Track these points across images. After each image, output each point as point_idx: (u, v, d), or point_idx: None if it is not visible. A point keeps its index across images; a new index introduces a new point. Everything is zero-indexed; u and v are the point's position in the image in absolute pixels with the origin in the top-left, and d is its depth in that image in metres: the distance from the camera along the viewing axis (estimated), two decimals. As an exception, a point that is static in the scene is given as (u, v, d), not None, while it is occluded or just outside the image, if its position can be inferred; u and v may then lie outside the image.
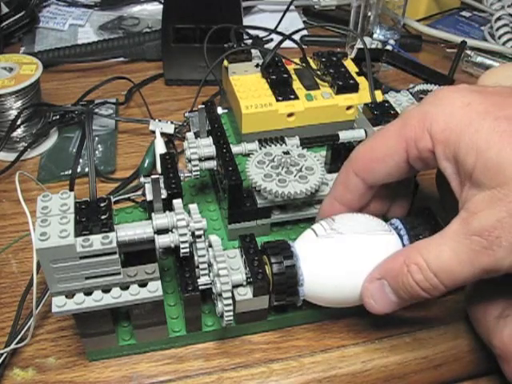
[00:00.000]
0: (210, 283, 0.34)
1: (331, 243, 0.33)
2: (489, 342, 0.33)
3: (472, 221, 0.28)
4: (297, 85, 0.49)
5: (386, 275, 0.32)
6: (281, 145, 0.42)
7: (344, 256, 0.33)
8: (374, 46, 0.62)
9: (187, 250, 0.32)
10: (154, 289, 0.32)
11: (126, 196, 0.46)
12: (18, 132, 0.51)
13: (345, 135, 0.43)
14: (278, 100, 0.47)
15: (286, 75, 0.49)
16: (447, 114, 0.30)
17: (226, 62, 0.50)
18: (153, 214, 0.32)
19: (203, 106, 0.45)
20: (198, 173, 0.41)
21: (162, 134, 0.51)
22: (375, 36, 0.63)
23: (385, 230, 0.34)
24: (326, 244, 0.33)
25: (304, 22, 0.75)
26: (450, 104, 0.30)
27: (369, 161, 0.34)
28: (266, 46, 0.64)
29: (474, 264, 0.28)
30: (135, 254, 0.31)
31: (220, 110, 0.51)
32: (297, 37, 0.57)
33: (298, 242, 0.35)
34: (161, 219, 0.32)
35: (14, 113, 0.50)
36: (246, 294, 0.34)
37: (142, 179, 0.39)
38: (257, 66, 0.50)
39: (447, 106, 0.30)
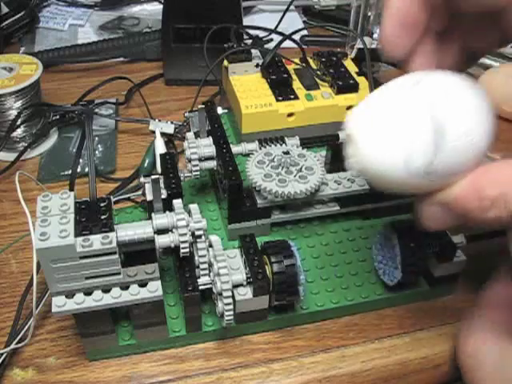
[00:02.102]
0: (210, 283, 0.34)
1: (422, 182, 0.25)
2: None
3: None
4: (297, 85, 0.49)
5: (452, 204, 0.26)
6: (281, 145, 0.42)
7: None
8: (373, 46, 0.62)
9: (187, 249, 0.32)
10: (154, 289, 0.32)
11: (126, 196, 0.46)
12: (18, 132, 0.51)
13: (345, 135, 0.43)
14: (277, 100, 0.47)
15: (285, 75, 0.49)
16: None
17: (225, 62, 0.50)
18: (153, 214, 0.32)
19: (203, 106, 0.45)
20: (198, 173, 0.41)
21: (162, 134, 0.51)
22: (375, 36, 0.63)
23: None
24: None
25: (304, 22, 0.75)
26: None
27: None
28: (266, 46, 0.63)
29: None
30: (135, 254, 0.31)
31: (220, 110, 0.51)
32: (297, 37, 0.57)
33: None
34: (161, 219, 0.32)
35: (14, 113, 0.49)
36: (246, 293, 0.34)
37: (142, 179, 0.39)
38: (257, 65, 0.50)
39: None
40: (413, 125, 0.24)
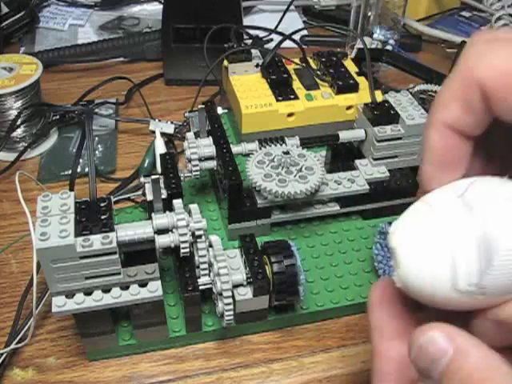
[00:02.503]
0: (210, 283, 0.34)
1: (465, 300, 0.23)
2: None
3: None
4: (297, 85, 0.49)
5: (508, 320, 0.23)
6: (281, 145, 0.42)
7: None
8: (373, 46, 0.62)
9: (187, 249, 0.32)
10: (154, 289, 0.32)
11: (126, 196, 0.46)
12: (18, 132, 0.51)
13: (345, 135, 0.43)
14: (278, 100, 0.47)
15: (285, 75, 0.49)
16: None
17: (225, 62, 0.50)
18: (153, 214, 0.32)
19: (203, 106, 0.45)
20: (198, 173, 0.41)
21: (162, 134, 0.51)
22: (375, 36, 0.63)
23: None
24: (459, 300, 0.23)
25: (304, 22, 0.75)
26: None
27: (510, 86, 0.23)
28: (266, 46, 0.63)
29: None
30: (135, 253, 0.31)
31: (220, 110, 0.51)
32: (297, 37, 0.57)
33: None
34: (161, 219, 0.32)
35: (14, 113, 0.49)
36: (246, 293, 0.34)
37: (142, 179, 0.39)
38: (257, 65, 0.50)
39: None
40: (458, 242, 0.22)
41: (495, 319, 0.23)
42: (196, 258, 0.34)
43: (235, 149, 0.41)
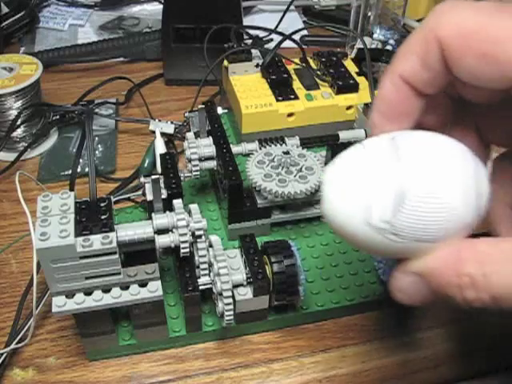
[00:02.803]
0: (210, 283, 0.34)
1: (378, 239, 0.24)
2: None
3: None
4: (297, 85, 0.49)
5: (427, 275, 0.24)
6: (281, 145, 0.42)
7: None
8: (373, 46, 0.62)
9: (187, 249, 0.32)
10: (154, 289, 0.32)
11: (126, 196, 0.46)
12: (18, 132, 0.51)
13: (345, 135, 0.43)
14: (278, 100, 0.47)
15: (285, 75, 0.49)
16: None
17: (225, 62, 0.50)
18: (153, 214, 0.32)
19: (203, 106, 0.45)
20: (198, 173, 0.41)
21: (162, 134, 0.51)
22: (375, 36, 0.63)
23: (471, 223, 0.24)
24: (371, 236, 0.24)
25: (304, 22, 0.75)
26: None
27: (468, 47, 0.23)
28: (266, 46, 0.63)
29: None
30: (135, 253, 0.31)
31: (220, 110, 0.51)
32: (297, 37, 0.57)
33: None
34: (161, 219, 0.32)
35: (14, 113, 0.49)
36: (246, 293, 0.34)
37: (142, 179, 0.39)
38: (257, 66, 0.50)
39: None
40: (374, 180, 0.23)
41: (415, 270, 0.24)
42: (196, 257, 0.34)
43: (235, 149, 0.41)
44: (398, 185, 0.23)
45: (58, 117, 0.54)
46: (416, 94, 0.25)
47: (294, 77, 0.50)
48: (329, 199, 0.25)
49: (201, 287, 0.34)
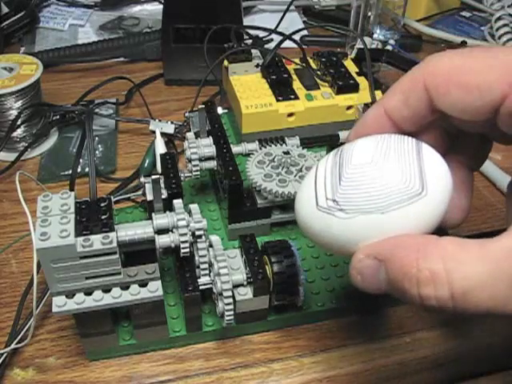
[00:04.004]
0: (211, 283, 0.34)
1: (331, 221, 0.26)
2: None
3: None
4: (297, 85, 0.49)
5: (387, 261, 0.24)
6: (281, 145, 0.42)
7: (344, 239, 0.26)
8: (373, 46, 0.62)
9: (187, 249, 0.32)
10: (154, 289, 0.32)
11: (127, 196, 0.46)
12: (18, 132, 0.51)
13: (345, 135, 0.43)
14: (278, 100, 0.47)
15: (286, 75, 0.49)
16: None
17: (226, 62, 0.50)
18: (153, 214, 0.32)
19: (203, 106, 0.45)
20: (198, 173, 0.41)
21: (162, 134, 0.51)
22: (375, 36, 0.63)
23: (416, 193, 0.24)
24: (325, 220, 0.26)
25: (304, 21, 0.75)
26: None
27: (452, 82, 0.24)
28: (266, 46, 0.64)
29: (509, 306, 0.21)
30: (135, 253, 0.31)
31: (220, 110, 0.51)
32: (297, 37, 0.57)
33: (298, 199, 0.28)
34: (161, 219, 0.32)
35: (14, 113, 0.50)
36: (246, 293, 0.34)
37: (143, 179, 0.39)
38: (257, 66, 0.50)
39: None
40: (322, 172, 0.27)
41: (369, 252, 0.25)
42: (196, 258, 0.34)
43: (235, 149, 0.41)
44: (336, 169, 0.26)
45: (58, 117, 0.54)
46: (395, 128, 0.28)
47: (294, 77, 0.50)
48: (297, 201, 0.28)
49: (201, 287, 0.34)
